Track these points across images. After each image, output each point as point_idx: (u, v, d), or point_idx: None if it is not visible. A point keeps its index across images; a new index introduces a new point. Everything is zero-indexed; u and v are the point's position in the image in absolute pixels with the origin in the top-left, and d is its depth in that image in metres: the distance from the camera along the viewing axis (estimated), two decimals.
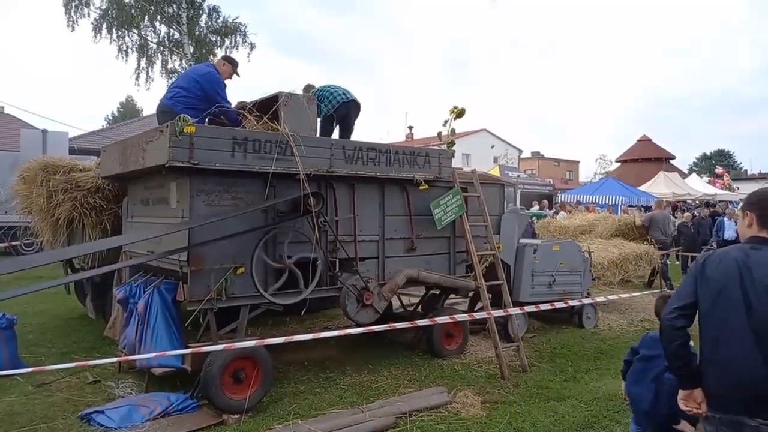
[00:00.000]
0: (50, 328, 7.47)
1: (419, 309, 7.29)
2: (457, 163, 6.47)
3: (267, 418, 4.52)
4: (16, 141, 22.69)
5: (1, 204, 13.91)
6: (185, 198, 4.65)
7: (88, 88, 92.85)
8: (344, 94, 6.39)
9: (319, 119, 6.18)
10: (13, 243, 13.10)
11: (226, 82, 5.76)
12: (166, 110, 5.32)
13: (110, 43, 22.31)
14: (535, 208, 18.95)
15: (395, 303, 7.36)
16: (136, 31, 22.36)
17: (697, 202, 24.57)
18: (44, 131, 15.87)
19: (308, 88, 6.60)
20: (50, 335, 7.11)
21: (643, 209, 17.28)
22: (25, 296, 9.24)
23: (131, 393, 5.03)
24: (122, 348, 5.38)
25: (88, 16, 21.65)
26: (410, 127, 48.72)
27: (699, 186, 27.04)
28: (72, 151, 16.04)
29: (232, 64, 6.03)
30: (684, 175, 32.25)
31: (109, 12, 21.74)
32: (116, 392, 5.07)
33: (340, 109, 6.33)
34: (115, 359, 4.88)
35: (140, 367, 5.09)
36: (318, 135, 5.76)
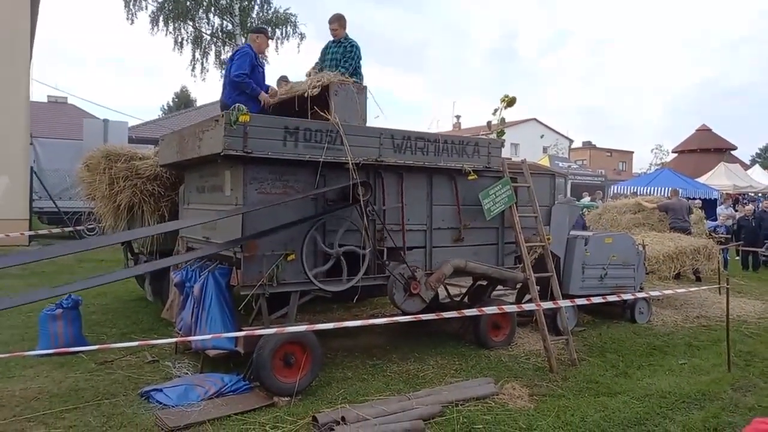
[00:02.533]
0: (111, 309, 7.84)
1: (465, 299, 7.28)
2: (505, 152, 6.38)
3: (316, 401, 4.62)
4: (78, 130, 23.83)
5: (65, 190, 14.65)
6: (239, 186, 4.78)
7: (145, 79, 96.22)
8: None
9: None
10: (77, 227, 13.77)
11: (268, 53, 5.95)
12: (228, 105, 5.45)
13: (166, 35, 23.02)
14: (586, 199, 18.48)
15: (441, 293, 7.36)
16: (190, 23, 22.97)
17: (760, 195, 23.37)
18: (105, 121, 16.56)
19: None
20: (111, 316, 7.47)
21: (701, 201, 16.58)
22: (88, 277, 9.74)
23: (187, 373, 5.24)
24: (178, 330, 5.60)
25: (146, 9, 22.40)
26: (457, 117, 48.33)
27: (762, 178, 25.72)
28: (130, 140, 16.73)
29: (263, 32, 6.21)
30: (746, 167, 30.72)
31: (166, 5, 22.39)
32: (173, 372, 5.28)
33: None
34: (173, 340, 5.08)
35: (195, 348, 5.29)
36: None
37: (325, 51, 6.34)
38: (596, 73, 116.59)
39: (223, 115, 4.48)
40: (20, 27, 13.85)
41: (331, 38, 6.33)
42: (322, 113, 5.00)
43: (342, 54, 6.06)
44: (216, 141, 4.57)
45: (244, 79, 5.58)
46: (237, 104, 4.53)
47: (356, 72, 5.98)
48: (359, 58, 6.13)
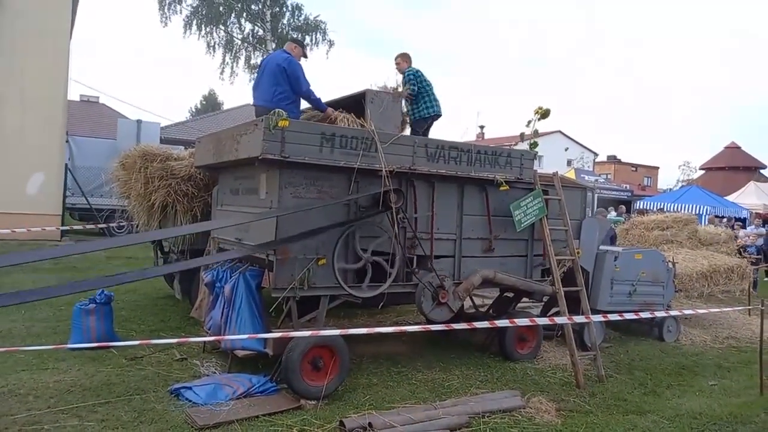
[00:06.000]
0: (140, 306, 7.98)
1: (491, 311, 7.24)
2: None
3: (342, 406, 4.64)
4: (108, 129, 24.34)
5: (98, 188, 14.96)
6: (274, 189, 4.85)
7: (175, 81, 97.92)
8: (438, 104, 6.81)
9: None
10: (106, 225, 14.06)
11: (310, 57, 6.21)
12: (267, 109, 5.56)
13: (198, 39, 23.46)
14: (613, 214, 18.27)
15: (467, 303, 7.34)
16: (223, 28, 23.38)
17: None
18: (139, 121, 16.90)
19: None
20: (140, 313, 7.60)
21: (734, 221, 16.26)
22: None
23: (215, 372, 5.30)
24: (207, 329, 5.68)
25: (180, 12, 22.85)
26: (481, 127, 48.14)
27: None
28: (160, 141, 17.03)
29: (301, 45, 6.46)
30: None
31: (200, 9, 22.82)
32: (201, 370, 5.35)
33: (429, 121, 6.58)
34: (207, 339, 5.15)
35: (224, 348, 5.35)
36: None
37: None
38: (622, 84, 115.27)
39: (262, 119, 4.56)
40: (61, 27, 14.24)
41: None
42: (358, 120, 5.06)
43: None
44: (254, 145, 4.64)
45: (312, 95, 5.86)
46: (277, 109, 4.60)
47: (421, 92, 6.69)
48: (419, 80, 6.72)
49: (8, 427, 3.90)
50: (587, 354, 5.97)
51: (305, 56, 6.47)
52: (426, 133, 6.85)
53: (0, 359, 5.25)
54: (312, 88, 5.91)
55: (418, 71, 6.79)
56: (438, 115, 6.91)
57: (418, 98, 6.72)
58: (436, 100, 6.87)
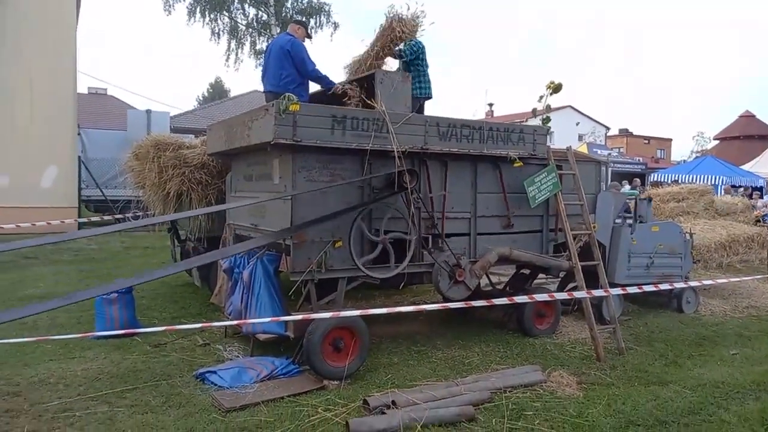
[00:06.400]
0: (160, 294, 8.09)
1: (508, 288, 7.25)
2: None
3: (365, 385, 4.70)
4: (119, 121, 24.44)
5: (111, 179, 15.09)
6: (288, 174, 4.86)
7: (181, 70, 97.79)
8: (430, 87, 6.68)
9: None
10: (120, 216, 14.19)
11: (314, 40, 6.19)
12: (277, 94, 5.55)
13: (203, 26, 23.35)
14: (627, 188, 18.11)
15: (483, 281, 7.35)
16: (227, 14, 23.25)
17: None
18: (148, 111, 16.96)
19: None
20: (160, 301, 7.70)
21: (751, 190, 16.06)
22: (136, 264, 10.07)
23: (238, 356, 5.38)
24: (228, 314, 5.75)
25: (183, 0, 22.72)
26: (490, 105, 47.69)
27: None
28: (171, 130, 17.10)
29: (304, 26, 6.43)
30: None
31: None
32: (224, 355, 5.44)
33: (420, 101, 6.54)
34: (232, 323, 5.22)
35: (245, 333, 5.43)
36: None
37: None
38: (632, 57, 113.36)
39: (273, 104, 4.55)
40: (66, 19, 14.24)
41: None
42: (368, 102, 5.03)
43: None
44: (266, 130, 4.64)
45: (320, 73, 5.84)
46: (287, 93, 4.59)
47: (415, 61, 6.46)
48: (420, 50, 6.54)
49: (42, 415, 4.01)
50: (606, 327, 5.97)
51: (309, 37, 6.43)
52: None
53: (28, 350, 5.37)
54: (318, 67, 5.89)
55: (421, 43, 6.56)
56: (429, 98, 6.76)
57: (414, 76, 6.41)
58: (429, 81, 6.72)
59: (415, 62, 6.54)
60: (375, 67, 6.07)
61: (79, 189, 14.52)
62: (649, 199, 7.65)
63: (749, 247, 8.61)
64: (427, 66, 6.72)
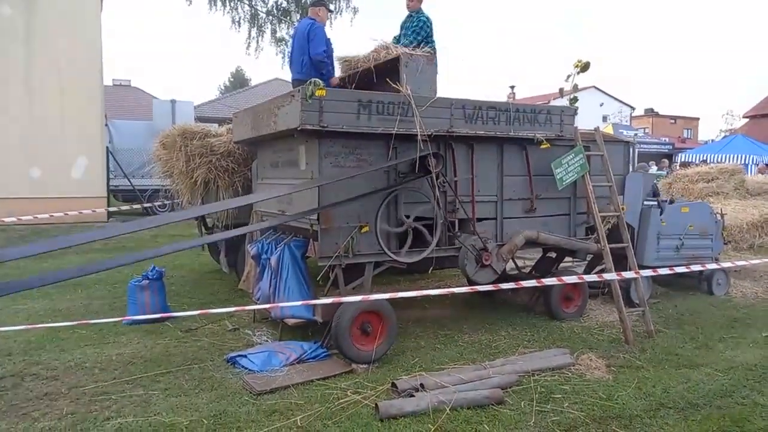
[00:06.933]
0: (189, 281, 8.24)
1: (534, 272, 7.21)
2: None
3: (393, 369, 4.74)
4: (143, 111, 24.75)
5: (138, 169, 15.33)
6: (314, 159, 4.88)
7: (202, 60, 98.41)
8: None
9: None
10: (151, 204, 14.45)
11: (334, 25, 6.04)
12: (302, 81, 5.53)
13: (223, 15, 23.38)
14: (654, 168, 17.77)
15: (509, 266, 7.31)
16: (247, 2, 23.24)
17: None
18: (173, 101, 17.13)
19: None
20: (189, 287, 7.85)
21: None
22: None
23: (267, 340, 5.46)
24: (256, 299, 5.83)
25: None
26: (512, 87, 47.03)
27: None
28: (195, 120, 17.26)
29: (323, 5, 6.29)
30: None
31: None
32: (253, 339, 5.53)
33: None
34: (262, 306, 5.30)
35: (274, 317, 5.51)
36: None
37: (403, 24, 6.37)
38: (656, 35, 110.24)
39: (299, 90, 4.56)
40: (91, 10, 14.40)
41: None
42: (394, 85, 5.01)
43: (413, 29, 6.04)
44: (292, 116, 4.66)
45: (323, 58, 5.69)
46: (313, 79, 4.59)
47: (427, 44, 5.91)
48: (431, 30, 6.11)
49: (79, 398, 4.13)
50: (635, 310, 5.90)
51: (328, 15, 6.32)
52: None
53: (64, 335, 5.53)
54: (331, 56, 5.78)
55: (430, 20, 6.17)
56: None
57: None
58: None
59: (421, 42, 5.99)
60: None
61: (108, 179, 14.79)
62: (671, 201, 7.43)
63: None
64: (435, 44, 6.15)
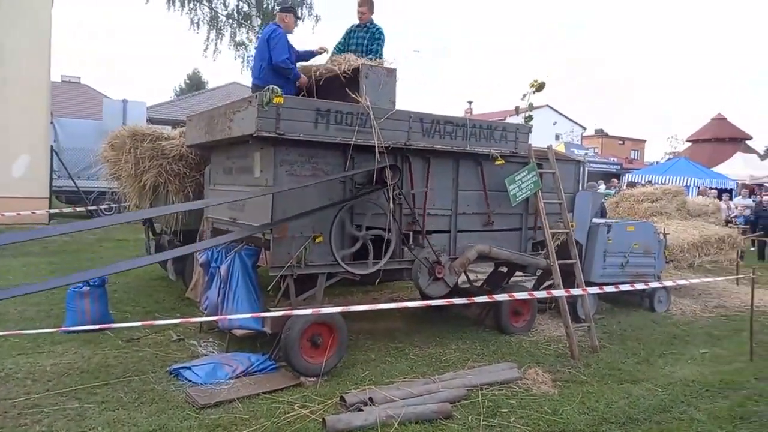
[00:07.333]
0: (133, 288, 7.94)
1: (485, 286, 7.29)
2: None
3: (342, 382, 4.68)
4: (93, 110, 23.91)
5: (84, 170, 14.74)
6: (269, 167, 4.80)
7: (157, 60, 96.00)
8: None
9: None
10: (95, 207, 13.89)
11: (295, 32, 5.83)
12: (260, 87, 5.43)
13: (182, 15, 22.94)
14: (602, 188, 18.36)
15: (461, 279, 7.38)
16: (207, 4, 22.87)
17: None
18: (124, 101, 16.60)
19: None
20: (134, 294, 7.56)
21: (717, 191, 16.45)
22: (109, 256, 9.86)
23: (213, 352, 5.31)
24: (203, 309, 5.66)
25: None
26: (469, 102, 47.90)
27: None
28: (147, 121, 16.78)
29: (292, 12, 6.09)
30: (762, 157, 30.35)
31: None
32: (199, 350, 5.35)
33: None
34: (210, 318, 5.13)
35: (222, 328, 5.35)
36: None
37: (349, 34, 6.27)
38: (604, 56, 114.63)
39: (256, 96, 4.48)
40: (42, 4, 13.85)
41: (357, 21, 6.27)
42: (353, 95, 4.99)
43: (368, 39, 6.02)
44: (248, 122, 4.57)
45: (288, 65, 5.53)
46: (271, 86, 4.52)
47: (376, 55, 5.90)
48: (383, 42, 6.08)
49: (8, 411, 3.89)
50: (581, 325, 6.05)
51: (296, 23, 6.15)
52: None
53: None
54: (290, 58, 5.58)
55: (381, 33, 6.07)
56: None
57: None
58: None
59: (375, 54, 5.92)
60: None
61: (51, 179, 14.16)
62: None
63: (720, 248, 8.81)
64: (383, 55, 6.04)
